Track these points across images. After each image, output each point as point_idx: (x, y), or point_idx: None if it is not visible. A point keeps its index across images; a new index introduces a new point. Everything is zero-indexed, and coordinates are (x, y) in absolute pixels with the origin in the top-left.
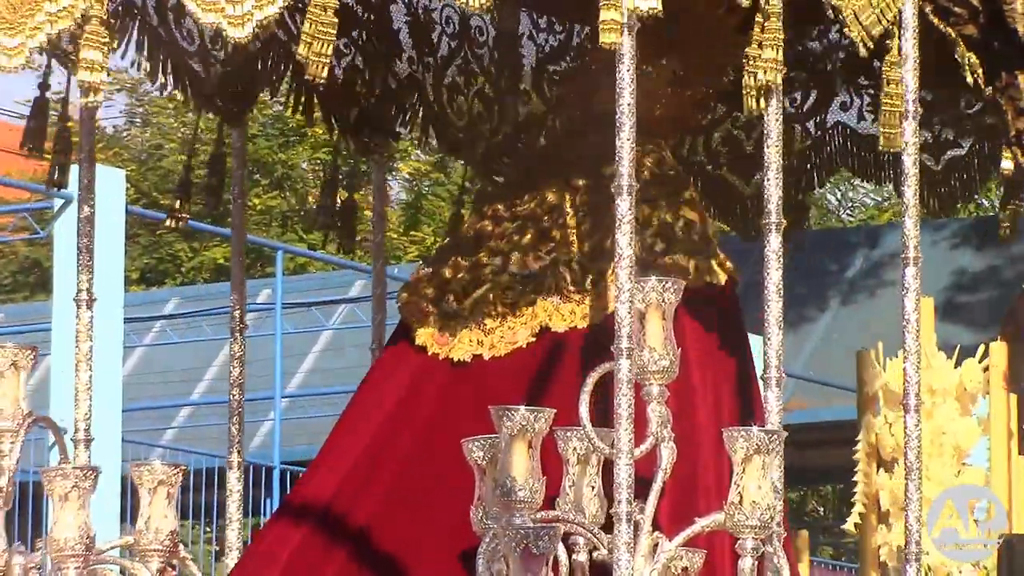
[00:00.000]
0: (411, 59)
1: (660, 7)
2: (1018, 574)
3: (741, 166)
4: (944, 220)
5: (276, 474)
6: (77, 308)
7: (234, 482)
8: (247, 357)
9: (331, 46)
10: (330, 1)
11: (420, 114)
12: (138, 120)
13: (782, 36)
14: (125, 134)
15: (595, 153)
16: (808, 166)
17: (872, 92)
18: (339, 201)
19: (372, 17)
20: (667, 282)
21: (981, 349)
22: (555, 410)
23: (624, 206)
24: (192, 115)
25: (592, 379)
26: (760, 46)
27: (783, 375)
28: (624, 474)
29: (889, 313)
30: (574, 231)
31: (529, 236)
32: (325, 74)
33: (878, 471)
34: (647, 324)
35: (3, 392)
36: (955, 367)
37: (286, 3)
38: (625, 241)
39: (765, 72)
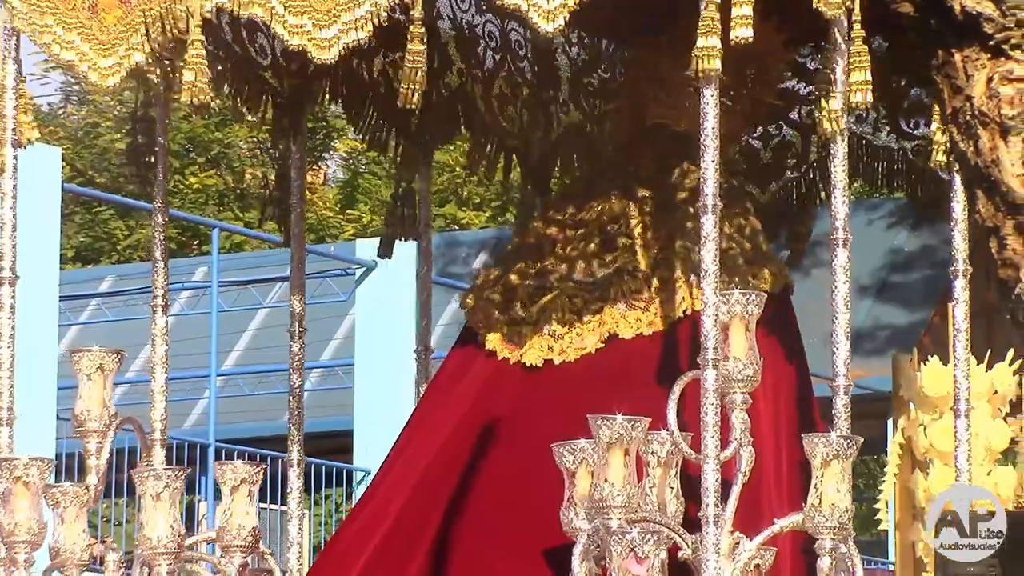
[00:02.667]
0: (460, 71)
1: (752, 36)
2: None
3: (758, 176)
4: (879, 200)
5: (211, 452)
6: None
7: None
8: (182, 335)
9: (423, 74)
10: (421, 31)
11: (474, 123)
12: (74, 98)
13: (868, 58)
14: (61, 112)
15: (652, 164)
16: (819, 177)
17: (886, 105)
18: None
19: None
20: (750, 295)
21: (1011, 354)
22: (649, 418)
23: (709, 224)
24: (129, 93)
25: (679, 387)
26: (846, 70)
27: (851, 384)
28: (712, 478)
29: (826, 293)
30: (638, 240)
31: (594, 244)
32: (416, 100)
33: (913, 471)
34: (731, 335)
35: (90, 394)
36: (986, 371)
37: (372, 30)
38: (710, 258)
39: (855, 94)
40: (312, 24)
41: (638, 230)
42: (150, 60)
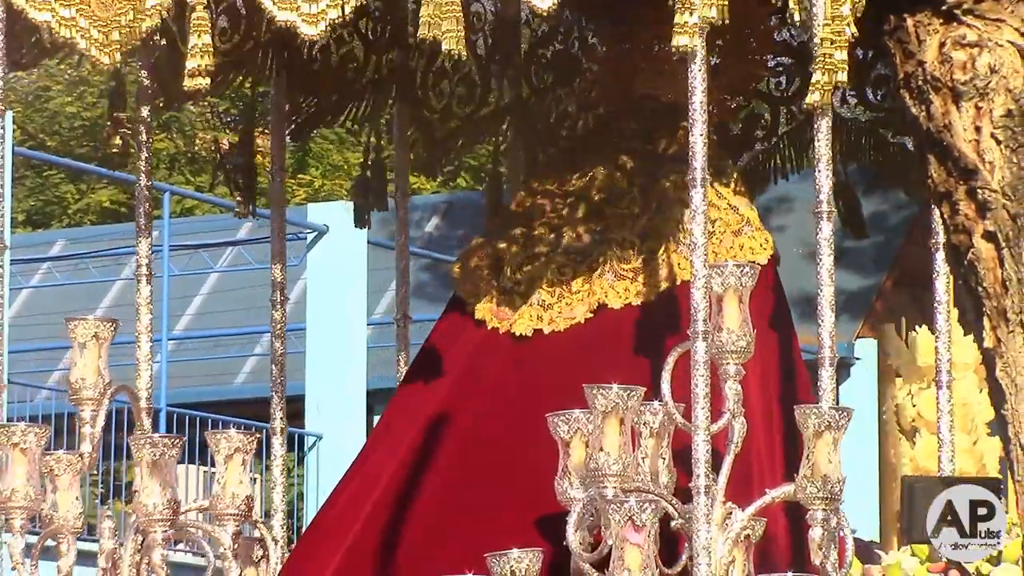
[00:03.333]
0: (408, 45)
1: (727, 16)
2: (918, 516)
3: (727, 147)
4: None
5: (162, 416)
6: None
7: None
8: (133, 299)
9: (459, 23)
10: None
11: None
12: None
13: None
14: (12, 76)
15: (639, 135)
16: (793, 149)
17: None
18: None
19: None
20: (744, 267)
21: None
22: (644, 388)
23: (697, 198)
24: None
25: (673, 358)
26: (832, 45)
27: (836, 356)
28: (702, 449)
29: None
30: (626, 210)
31: (581, 213)
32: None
33: (900, 440)
34: (725, 307)
35: (85, 363)
36: (974, 342)
37: (358, 2)
38: (699, 231)
39: (837, 73)
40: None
41: (626, 200)
42: (150, 33)
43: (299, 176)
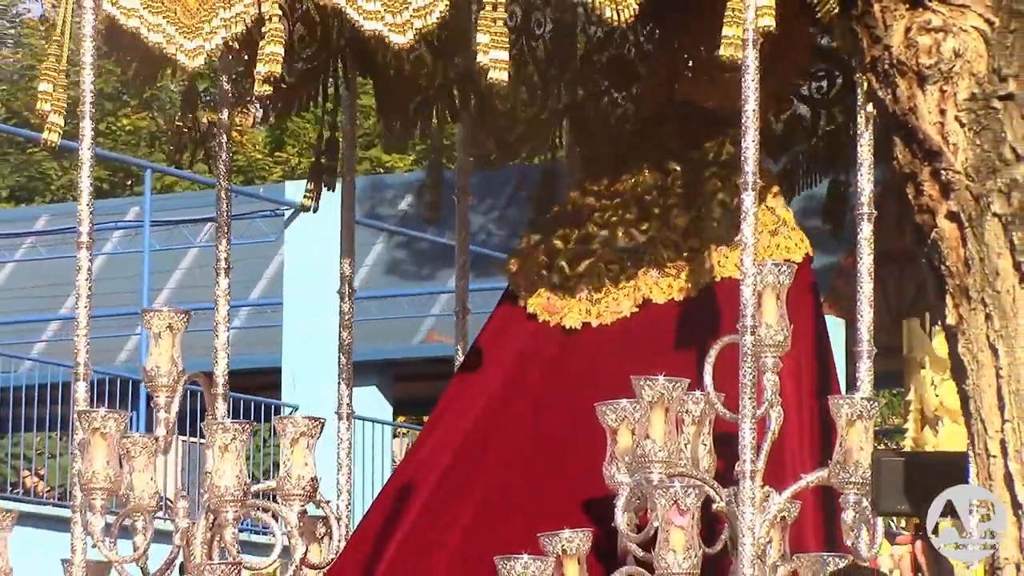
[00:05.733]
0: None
1: (774, 24)
2: (884, 489)
3: (769, 148)
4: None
5: (142, 388)
6: None
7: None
8: (114, 273)
9: (507, 51)
10: (501, 13)
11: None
12: (10, 42)
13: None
14: None
15: (682, 139)
16: (834, 150)
17: None
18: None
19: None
20: (782, 266)
21: None
22: (688, 379)
23: (748, 200)
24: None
25: (715, 350)
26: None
27: (874, 349)
28: (748, 437)
29: None
30: (670, 210)
31: (629, 213)
32: (505, 78)
33: (922, 429)
34: (764, 303)
35: (160, 352)
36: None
37: (443, 13)
38: (749, 231)
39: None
40: (385, 9)
41: (670, 201)
42: (232, 40)
43: (276, 154)
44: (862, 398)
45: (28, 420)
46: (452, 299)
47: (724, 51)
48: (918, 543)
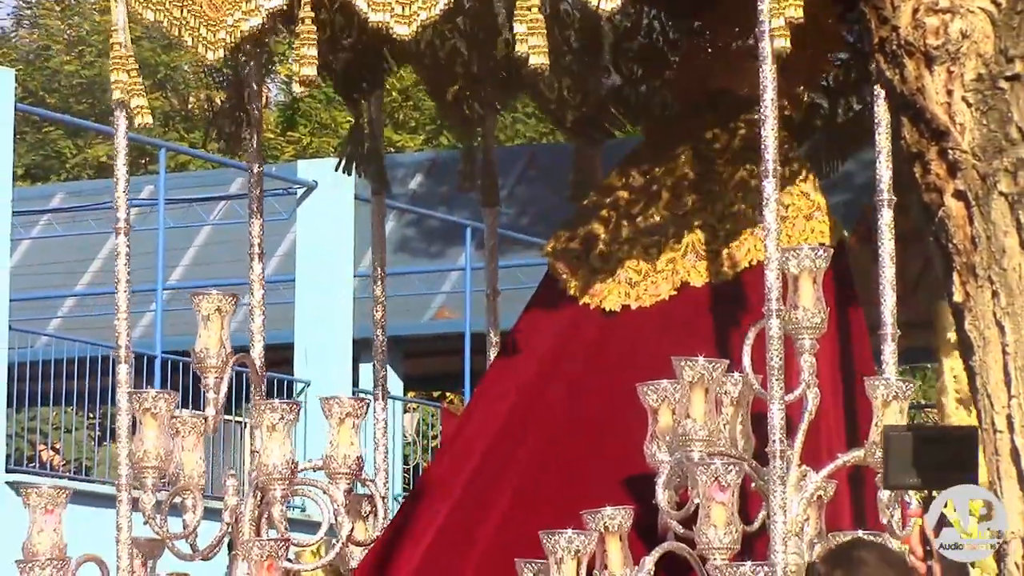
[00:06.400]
0: (506, 42)
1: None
2: (893, 464)
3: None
4: None
5: (157, 363)
6: None
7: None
8: (131, 250)
9: (545, 38)
10: (535, 1)
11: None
12: (26, 22)
13: None
14: (13, 35)
15: (717, 125)
16: (850, 137)
17: None
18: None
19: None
20: (817, 250)
21: None
22: (726, 360)
23: (769, 187)
24: (78, 19)
25: (754, 331)
26: None
27: (897, 332)
28: (777, 417)
29: None
30: (706, 196)
31: (664, 198)
32: (546, 63)
33: (957, 408)
34: (800, 286)
35: (209, 334)
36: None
37: (448, 4)
38: (771, 217)
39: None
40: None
41: (706, 186)
42: (257, 32)
43: (288, 133)
44: (898, 379)
45: (44, 395)
46: (461, 277)
47: (776, 43)
48: (926, 517)
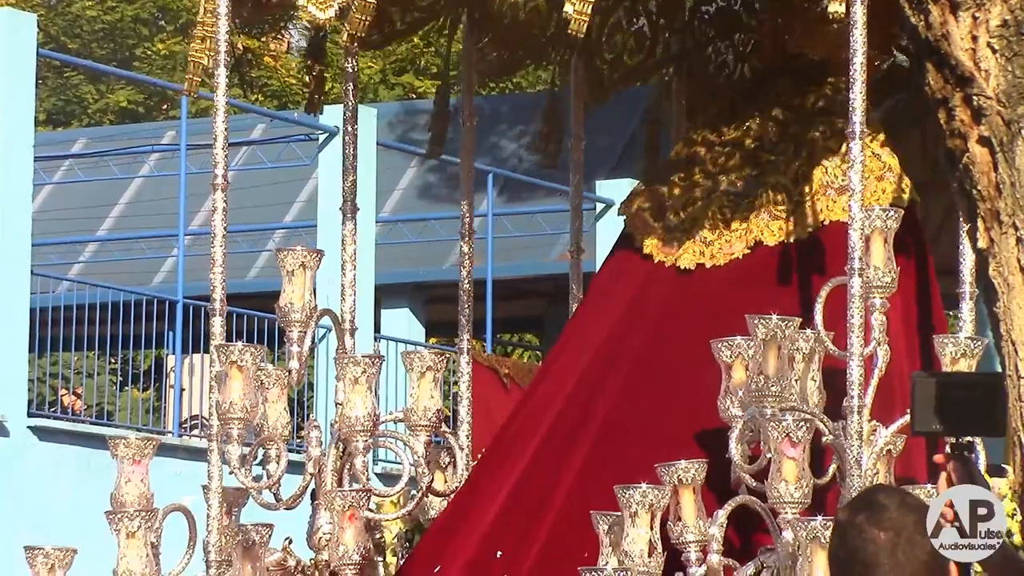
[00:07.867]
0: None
1: None
2: (920, 410)
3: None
4: None
5: (179, 308)
6: None
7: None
8: (151, 196)
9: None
10: None
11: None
12: None
13: None
14: None
15: (791, 88)
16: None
17: None
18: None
19: None
20: (890, 211)
21: None
22: (799, 318)
23: (856, 148)
24: None
25: (826, 291)
26: None
27: (976, 291)
28: (855, 373)
29: None
30: (780, 156)
31: (739, 159)
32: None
33: None
34: (872, 246)
35: (293, 289)
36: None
37: None
38: (857, 178)
39: None
40: None
41: (780, 147)
42: None
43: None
44: (967, 337)
45: (67, 340)
46: (483, 223)
47: (832, 7)
48: (951, 463)
